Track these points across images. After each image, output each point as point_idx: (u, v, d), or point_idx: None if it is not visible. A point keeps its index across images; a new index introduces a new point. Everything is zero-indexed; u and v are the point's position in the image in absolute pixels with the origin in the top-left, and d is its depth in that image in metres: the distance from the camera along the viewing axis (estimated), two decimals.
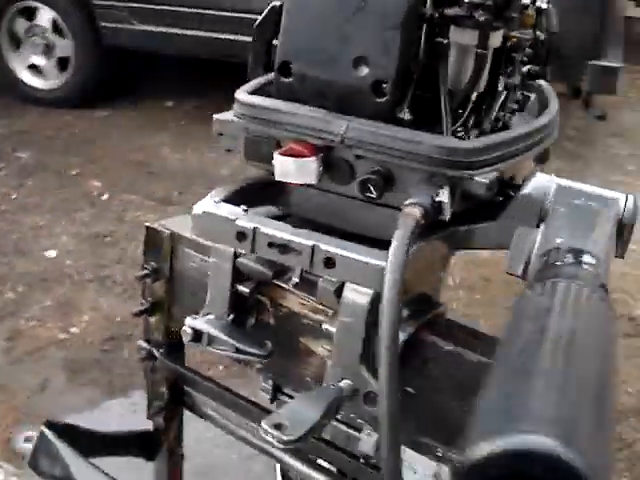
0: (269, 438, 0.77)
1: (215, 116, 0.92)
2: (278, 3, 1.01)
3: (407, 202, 0.76)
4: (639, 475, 2.22)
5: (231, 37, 4.01)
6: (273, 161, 0.84)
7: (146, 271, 1.08)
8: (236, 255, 0.91)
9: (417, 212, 0.74)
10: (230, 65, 4.79)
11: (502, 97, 0.93)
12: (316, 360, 0.98)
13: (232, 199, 0.87)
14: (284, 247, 0.79)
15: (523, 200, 0.84)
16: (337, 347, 0.87)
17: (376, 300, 0.84)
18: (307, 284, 0.89)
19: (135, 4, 4.00)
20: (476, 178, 0.80)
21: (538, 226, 0.84)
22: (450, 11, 0.83)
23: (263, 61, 1.03)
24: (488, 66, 0.86)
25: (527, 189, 0.84)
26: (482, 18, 0.82)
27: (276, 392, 1.11)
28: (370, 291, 0.83)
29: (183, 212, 3.50)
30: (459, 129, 0.87)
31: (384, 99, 0.82)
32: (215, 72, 4.99)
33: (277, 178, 0.84)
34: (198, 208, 0.85)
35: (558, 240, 0.61)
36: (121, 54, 4.44)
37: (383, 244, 0.89)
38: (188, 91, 4.87)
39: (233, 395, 1.13)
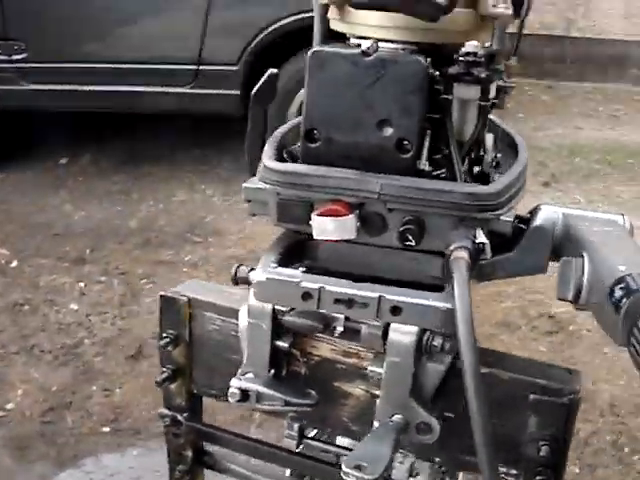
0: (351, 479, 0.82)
1: (244, 184, 0.96)
2: (275, 71, 1.08)
3: (453, 247, 0.84)
4: (589, 462, 2.39)
5: (125, 89, 4.00)
6: (311, 222, 0.90)
7: (166, 340, 1.10)
8: (275, 313, 0.96)
9: (465, 255, 0.82)
10: (122, 117, 4.78)
11: (492, 139, 1.03)
12: (352, 401, 1.03)
13: (281, 262, 0.92)
14: (350, 302, 0.85)
15: (536, 232, 0.94)
16: (386, 385, 0.93)
17: (421, 338, 0.92)
18: (349, 332, 0.95)
19: (23, 64, 3.92)
20: (502, 218, 0.89)
21: (553, 253, 0.95)
22: (451, 70, 0.92)
23: (261, 126, 1.09)
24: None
25: (538, 221, 0.94)
26: (483, 74, 0.92)
27: (301, 438, 1.16)
28: (414, 329, 0.90)
29: (99, 270, 3.43)
30: (467, 173, 0.97)
31: (408, 155, 0.90)
32: (106, 125, 4.94)
33: (316, 237, 0.90)
34: (259, 276, 0.89)
35: (621, 267, 0.71)
36: (10, 115, 4.33)
37: (410, 285, 0.97)
38: (80, 146, 4.79)
39: (260, 444, 1.16)
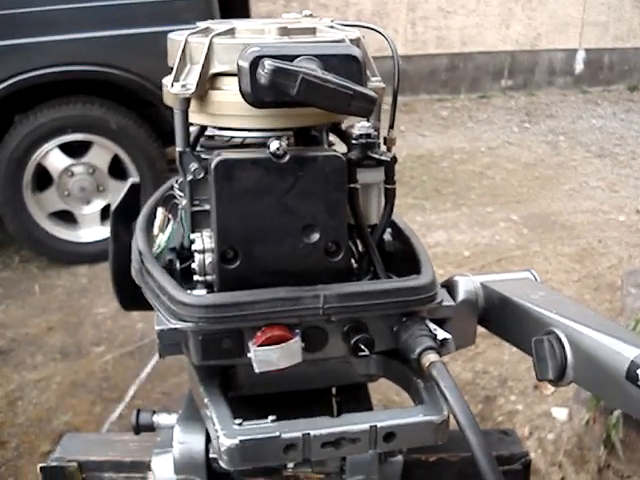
0: None
1: (157, 328, 0.80)
2: (136, 180, 0.93)
3: (419, 350, 0.77)
4: None
5: None
6: (249, 354, 0.77)
7: None
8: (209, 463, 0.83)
9: (437, 357, 0.76)
10: None
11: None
12: None
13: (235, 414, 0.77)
14: (339, 441, 0.74)
15: (462, 306, 0.91)
16: None
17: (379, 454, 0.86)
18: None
19: None
20: (444, 303, 0.85)
21: (479, 322, 0.93)
22: (351, 155, 0.85)
23: (127, 246, 0.93)
24: None
25: (461, 295, 0.91)
26: (384, 157, 0.86)
27: None
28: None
29: None
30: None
31: (339, 258, 0.81)
32: None
33: (258, 370, 0.77)
34: (227, 441, 0.72)
35: (617, 343, 0.70)
36: None
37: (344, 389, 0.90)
38: None
39: None
